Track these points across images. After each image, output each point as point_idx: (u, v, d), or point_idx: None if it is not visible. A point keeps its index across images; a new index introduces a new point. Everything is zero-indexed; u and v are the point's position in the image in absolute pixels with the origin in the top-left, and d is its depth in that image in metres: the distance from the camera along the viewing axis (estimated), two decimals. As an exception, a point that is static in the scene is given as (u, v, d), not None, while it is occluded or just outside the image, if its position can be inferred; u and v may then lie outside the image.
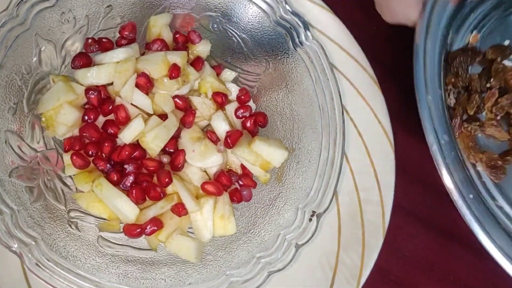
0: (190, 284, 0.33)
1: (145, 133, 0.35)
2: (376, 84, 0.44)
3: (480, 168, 0.37)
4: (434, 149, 0.32)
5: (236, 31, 0.39)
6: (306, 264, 0.40)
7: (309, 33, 0.37)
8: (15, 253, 0.30)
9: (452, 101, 0.38)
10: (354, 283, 0.41)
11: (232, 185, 0.37)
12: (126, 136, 0.35)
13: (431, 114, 0.32)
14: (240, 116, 0.38)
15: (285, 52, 0.38)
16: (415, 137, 0.43)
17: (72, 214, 0.34)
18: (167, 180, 0.35)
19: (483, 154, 0.37)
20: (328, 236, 0.41)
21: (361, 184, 0.43)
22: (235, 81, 0.40)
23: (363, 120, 0.43)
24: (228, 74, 0.40)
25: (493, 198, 0.37)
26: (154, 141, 0.35)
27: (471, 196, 0.31)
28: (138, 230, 0.34)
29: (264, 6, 0.38)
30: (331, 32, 0.43)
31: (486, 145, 0.38)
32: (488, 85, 0.38)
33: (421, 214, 0.44)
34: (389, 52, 0.45)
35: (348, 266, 0.41)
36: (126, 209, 0.34)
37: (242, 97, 0.39)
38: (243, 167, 0.38)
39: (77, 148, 0.35)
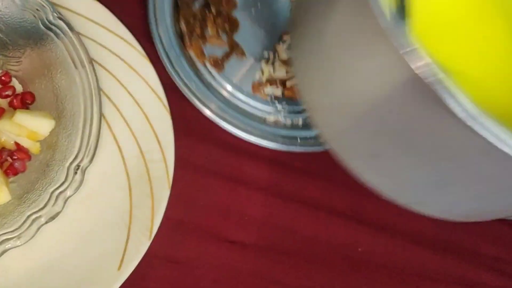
0: (-40, 249, 0.35)
1: None
2: (145, 57, 0.49)
3: (209, 66, 0.49)
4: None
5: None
6: (103, 226, 0.44)
7: (55, 14, 0.41)
8: None
9: (183, 27, 0.48)
10: (147, 234, 0.45)
11: (5, 161, 0.40)
12: None
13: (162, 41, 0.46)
14: (4, 95, 0.41)
15: (38, 33, 0.42)
16: (188, 101, 0.49)
17: None
18: None
19: (210, 57, 0.49)
20: (120, 198, 0.45)
21: (144, 146, 0.47)
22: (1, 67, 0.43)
23: (139, 91, 0.48)
24: (-11, 59, 0.43)
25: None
26: None
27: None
28: None
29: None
30: (94, 15, 0.47)
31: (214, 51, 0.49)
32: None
33: (208, 166, 0.50)
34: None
35: (141, 220, 0.45)
36: None
37: (3, 77, 0.42)
38: (16, 144, 0.41)
39: None
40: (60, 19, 0.41)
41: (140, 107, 0.48)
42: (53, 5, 0.41)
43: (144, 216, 0.46)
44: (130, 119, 0.47)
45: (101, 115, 0.40)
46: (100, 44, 0.46)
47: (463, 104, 0.18)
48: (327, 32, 0.27)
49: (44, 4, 0.41)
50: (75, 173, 0.38)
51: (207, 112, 0.48)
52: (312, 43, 0.30)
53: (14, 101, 0.41)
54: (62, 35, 0.41)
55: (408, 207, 0.29)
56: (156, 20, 0.48)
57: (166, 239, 0.47)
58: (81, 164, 0.39)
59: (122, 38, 0.48)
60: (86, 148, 0.39)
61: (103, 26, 0.47)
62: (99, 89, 0.41)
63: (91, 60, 0.41)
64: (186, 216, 0.49)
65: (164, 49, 0.47)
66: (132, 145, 0.47)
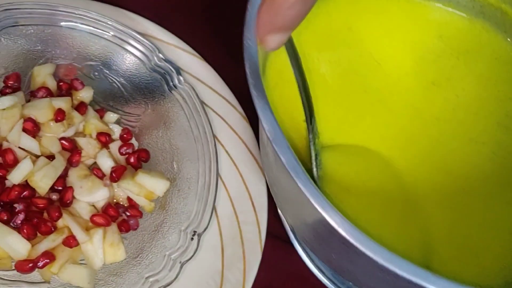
0: (84, 307, 0.36)
1: (34, 173, 0.37)
2: (245, 120, 0.51)
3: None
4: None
5: (116, 77, 0.44)
6: (195, 285, 0.44)
7: (181, 77, 0.43)
8: None
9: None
10: (238, 297, 0.46)
11: (119, 216, 0.41)
12: (15, 177, 0.37)
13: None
14: (124, 153, 0.42)
15: (161, 94, 0.43)
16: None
17: (-39, 256, 0.36)
18: (57, 214, 0.37)
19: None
20: (212, 258, 0.46)
21: (238, 207, 0.48)
22: (118, 122, 0.45)
23: (237, 152, 0.49)
24: (111, 116, 0.44)
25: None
26: (43, 180, 0.37)
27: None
28: (30, 265, 0.36)
29: (139, 55, 0.43)
30: (204, 77, 0.49)
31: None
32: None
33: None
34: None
35: (232, 283, 0.46)
36: (18, 246, 0.36)
37: (125, 135, 0.43)
38: (129, 199, 0.42)
39: (-36, 192, 0.37)
40: (185, 83, 0.43)
41: (237, 168, 0.49)
42: (179, 70, 0.43)
43: (235, 279, 0.46)
44: (226, 178, 0.48)
45: (217, 181, 0.41)
46: (207, 105, 0.48)
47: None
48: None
49: (172, 69, 0.43)
50: (192, 238, 0.39)
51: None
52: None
53: (132, 158, 0.42)
54: (184, 98, 0.43)
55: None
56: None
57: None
58: (198, 230, 0.39)
59: (225, 99, 0.50)
60: (203, 214, 0.40)
61: (215, 91, 0.49)
62: (217, 155, 0.42)
63: (210, 125, 0.42)
64: (268, 280, 0.49)
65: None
66: (226, 205, 0.48)
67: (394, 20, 0.42)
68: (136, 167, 0.43)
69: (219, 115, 0.49)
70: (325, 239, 0.32)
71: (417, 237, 0.35)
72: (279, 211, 0.49)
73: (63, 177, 0.40)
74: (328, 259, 0.37)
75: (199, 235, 0.39)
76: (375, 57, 0.39)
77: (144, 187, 0.40)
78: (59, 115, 0.39)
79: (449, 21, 0.42)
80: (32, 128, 0.38)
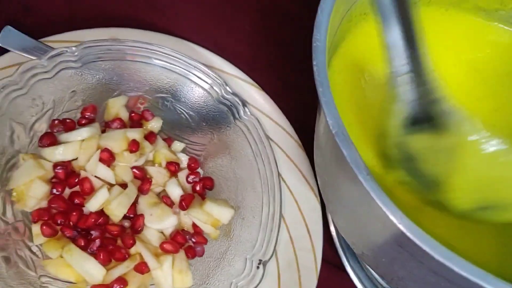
0: (155, 333, 0.37)
1: (110, 201, 0.39)
2: (301, 148, 0.52)
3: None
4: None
5: (184, 109, 0.46)
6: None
7: (247, 109, 0.44)
8: (-2, 317, 0.33)
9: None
10: (296, 324, 0.46)
11: (186, 242, 0.43)
12: (93, 205, 0.39)
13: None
14: (191, 181, 0.44)
15: (227, 125, 0.45)
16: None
17: (43, 279, 0.38)
18: (131, 242, 0.39)
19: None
20: (269, 283, 0.47)
21: (294, 233, 0.49)
22: (183, 151, 0.47)
23: (293, 179, 0.50)
24: (178, 146, 0.46)
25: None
26: (117, 208, 0.39)
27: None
28: (105, 290, 0.38)
29: (208, 87, 0.45)
30: (263, 106, 0.51)
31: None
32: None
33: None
34: (310, 122, 0.54)
35: (289, 309, 0.47)
36: (94, 271, 0.38)
37: (192, 165, 0.45)
38: (194, 225, 0.43)
39: (46, 219, 0.39)
40: (251, 115, 0.44)
41: (293, 195, 0.50)
42: (245, 103, 0.44)
43: (292, 306, 0.47)
44: (283, 205, 0.49)
45: (281, 212, 0.43)
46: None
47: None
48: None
49: (238, 101, 0.44)
50: (258, 267, 0.40)
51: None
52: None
53: (198, 186, 0.44)
54: (249, 129, 0.44)
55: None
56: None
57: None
58: (263, 259, 0.41)
59: (282, 127, 0.51)
60: (268, 243, 0.41)
61: (272, 120, 0.51)
62: (280, 185, 0.43)
63: (274, 156, 0.44)
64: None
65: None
66: (283, 231, 0.49)
67: (454, 39, 0.43)
68: (202, 195, 0.44)
69: (276, 143, 0.51)
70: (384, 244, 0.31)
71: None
72: (331, 227, 0.49)
73: (133, 204, 0.42)
74: (377, 265, 0.37)
75: (264, 264, 0.41)
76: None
77: (211, 215, 0.42)
78: (134, 146, 0.41)
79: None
80: (108, 158, 0.40)
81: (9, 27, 0.45)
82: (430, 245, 0.24)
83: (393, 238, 0.28)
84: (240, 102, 0.44)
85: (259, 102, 0.51)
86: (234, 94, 0.44)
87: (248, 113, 0.44)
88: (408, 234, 0.25)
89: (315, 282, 0.48)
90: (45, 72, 0.39)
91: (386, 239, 0.30)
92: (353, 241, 0.38)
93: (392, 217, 0.25)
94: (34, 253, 0.39)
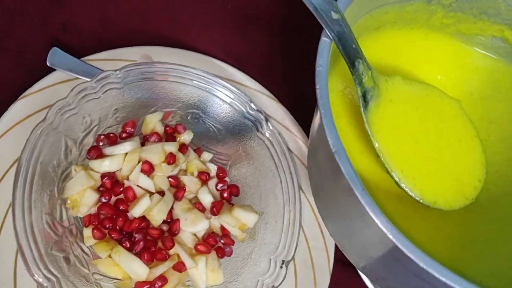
0: (195, 324, 0.42)
1: (152, 208, 0.44)
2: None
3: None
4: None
5: (212, 123, 0.51)
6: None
7: (269, 124, 0.49)
8: (64, 311, 0.38)
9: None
10: (311, 318, 0.52)
11: (216, 244, 0.48)
12: (137, 211, 0.44)
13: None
14: (219, 189, 0.49)
15: (251, 138, 0.50)
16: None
17: (96, 276, 0.43)
18: (171, 244, 0.44)
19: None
20: (287, 280, 0.52)
21: (309, 234, 0.55)
22: (211, 160, 0.52)
23: (308, 185, 0.56)
24: (207, 156, 0.51)
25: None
26: (158, 214, 0.45)
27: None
28: (147, 286, 0.43)
29: (234, 104, 0.49)
30: (281, 119, 0.56)
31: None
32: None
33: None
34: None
35: (305, 302, 0.52)
36: (139, 270, 0.43)
37: (221, 174, 0.50)
38: (222, 228, 0.49)
39: (95, 223, 0.44)
40: (273, 129, 0.49)
41: (307, 198, 0.56)
42: (268, 118, 0.49)
43: (307, 300, 0.53)
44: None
45: (301, 218, 0.48)
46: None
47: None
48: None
49: (262, 117, 0.49)
50: (281, 267, 0.46)
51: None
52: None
53: (225, 193, 0.49)
54: (272, 142, 0.49)
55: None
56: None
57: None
58: (286, 259, 0.46)
59: (297, 136, 0.56)
60: (290, 245, 0.47)
61: (289, 130, 0.56)
62: (300, 195, 0.49)
63: (295, 167, 0.49)
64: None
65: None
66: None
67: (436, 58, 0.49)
68: (229, 201, 0.50)
69: (294, 154, 0.56)
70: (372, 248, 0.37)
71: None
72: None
73: (170, 210, 0.47)
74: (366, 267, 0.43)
75: (287, 264, 0.46)
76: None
77: (239, 220, 0.47)
78: (171, 159, 0.46)
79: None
80: (149, 169, 0.46)
81: (55, 48, 0.50)
82: (416, 254, 0.30)
83: (381, 244, 0.33)
84: (263, 118, 0.49)
85: (277, 115, 0.56)
86: (258, 110, 0.49)
87: (271, 127, 0.49)
88: (396, 243, 0.30)
89: (328, 278, 0.54)
90: (94, 93, 0.44)
91: (374, 244, 0.36)
92: (343, 245, 0.44)
93: (383, 228, 0.31)
94: (85, 253, 0.44)
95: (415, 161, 0.41)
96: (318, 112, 0.35)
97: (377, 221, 0.31)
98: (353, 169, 0.32)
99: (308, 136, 0.57)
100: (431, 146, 0.42)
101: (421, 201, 0.40)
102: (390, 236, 0.31)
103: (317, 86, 0.35)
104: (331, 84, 0.42)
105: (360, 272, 0.54)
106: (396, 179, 0.40)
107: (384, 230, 0.31)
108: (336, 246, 0.55)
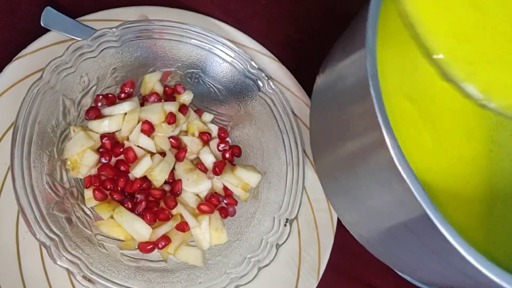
0: (200, 283, 0.42)
1: (153, 168, 0.44)
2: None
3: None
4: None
5: (213, 83, 0.50)
6: (277, 264, 0.51)
7: (271, 83, 0.48)
8: (67, 269, 0.38)
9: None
10: (315, 275, 0.52)
11: (219, 204, 0.47)
12: (138, 172, 0.43)
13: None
14: (221, 149, 0.49)
15: (252, 98, 0.49)
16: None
17: (98, 237, 0.42)
18: (173, 204, 0.44)
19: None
20: (291, 240, 0.52)
21: (312, 196, 0.54)
22: (212, 121, 0.51)
23: (308, 145, 0.55)
24: (208, 117, 0.50)
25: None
26: (160, 174, 0.44)
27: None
28: (151, 246, 0.43)
29: (235, 63, 0.48)
30: (282, 80, 0.55)
31: None
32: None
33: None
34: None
35: (308, 262, 0.52)
36: (142, 230, 0.43)
37: (222, 134, 0.49)
38: (225, 189, 0.48)
39: (96, 184, 0.43)
40: (275, 88, 0.48)
41: (310, 160, 0.55)
42: (269, 77, 0.48)
43: (311, 259, 0.52)
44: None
45: (304, 178, 0.47)
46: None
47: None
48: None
49: (263, 76, 0.48)
50: (285, 225, 0.45)
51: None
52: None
53: (227, 154, 0.49)
54: (273, 101, 0.48)
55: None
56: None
57: (328, 281, 0.54)
58: (290, 217, 0.46)
59: (299, 97, 0.55)
60: (293, 204, 0.46)
61: (291, 91, 0.55)
62: (303, 154, 0.48)
63: (298, 127, 0.48)
64: (339, 261, 0.55)
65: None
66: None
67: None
68: (231, 161, 0.49)
69: (295, 115, 0.55)
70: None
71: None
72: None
73: (171, 170, 0.46)
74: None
75: (291, 222, 0.46)
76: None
77: (241, 180, 0.47)
78: (171, 118, 0.45)
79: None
80: (149, 129, 0.45)
81: (49, 8, 0.48)
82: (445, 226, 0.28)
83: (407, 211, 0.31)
84: (264, 76, 0.48)
85: (279, 75, 0.55)
86: (259, 68, 0.48)
87: (272, 86, 0.48)
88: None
89: (332, 239, 0.54)
90: (91, 51, 0.43)
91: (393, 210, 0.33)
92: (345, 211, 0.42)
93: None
94: (87, 215, 0.43)
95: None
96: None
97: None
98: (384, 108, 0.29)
99: (310, 97, 0.56)
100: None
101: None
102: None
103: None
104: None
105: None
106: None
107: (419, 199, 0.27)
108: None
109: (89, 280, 0.38)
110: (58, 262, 0.37)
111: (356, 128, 0.34)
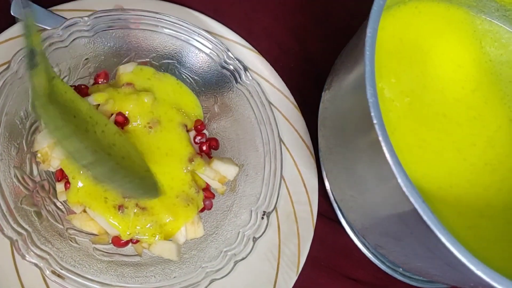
0: (175, 277, 0.42)
1: (127, 161, 0.43)
2: (297, 109, 0.56)
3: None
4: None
5: (189, 73, 0.49)
6: (256, 258, 0.50)
7: (248, 74, 0.48)
8: (36, 265, 0.37)
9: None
10: (294, 269, 0.51)
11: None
12: (111, 164, 0.42)
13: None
14: (198, 142, 0.48)
15: (230, 89, 0.48)
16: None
17: (70, 231, 0.41)
18: (147, 197, 0.43)
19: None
20: (270, 233, 0.52)
21: (292, 189, 0.54)
22: (189, 113, 0.50)
23: (290, 139, 0.55)
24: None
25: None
26: (134, 167, 0.43)
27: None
28: (124, 241, 0.42)
29: (211, 53, 0.48)
30: (261, 71, 0.54)
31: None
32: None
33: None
34: (304, 84, 0.57)
35: (288, 256, 0.52)
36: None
37: (199, 126, 0.48)
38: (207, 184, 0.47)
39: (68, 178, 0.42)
40: (252, 80, 0.47)
41: (290, 153, 0.55)
42: (247, 68, 0.48)
43: (290, 252, 0.52)
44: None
45: (282, 169, 0.47)
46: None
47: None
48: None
49: (240, 67, 0.47)
50: (262, 218, 0.45)
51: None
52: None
53: (204, 146, 0.48)
54: (251, 93, 0.48)
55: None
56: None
57: (307, 275, 0.53)
58: (267, 210, 0.45)
59: (279, 89, 0.55)
60: (271, 196, 0.45)
61: (270, 83, 0.54)
62: (281, 146, 0.47)
63: (274, 118, 0.47)
64: (318, 254, 0.55)
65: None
66: (281, 187, 0.53)
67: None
68: (208, 154, 0.48)
69: (274, 106, 0.54)
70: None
71: None
72: (326, 183, 0.54)
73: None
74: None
75: (268, 215, 0.45)
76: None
77: (218, 173, 0.46)
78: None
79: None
80: (123, 121, 0.44)
81: (19, -4, 0.47)
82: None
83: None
84: (242, 67, 0.47)
85: (257, 66, 0.54)
86: (236, 59, 0.47)
87: (250, 77, 0.47)
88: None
89: (311, 232, 0.53)
90: (61, 41, 0.42)
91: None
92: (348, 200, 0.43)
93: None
94: (59, 209, 0.42)
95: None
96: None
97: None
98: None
99: (288, 88, 0.56)
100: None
101: None
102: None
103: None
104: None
105: (344, 224, 0.54)
106: None
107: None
108: (319, 201, 0.54)
109: (59, 275, 0.37)
110: (27, 258, 0.36)
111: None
